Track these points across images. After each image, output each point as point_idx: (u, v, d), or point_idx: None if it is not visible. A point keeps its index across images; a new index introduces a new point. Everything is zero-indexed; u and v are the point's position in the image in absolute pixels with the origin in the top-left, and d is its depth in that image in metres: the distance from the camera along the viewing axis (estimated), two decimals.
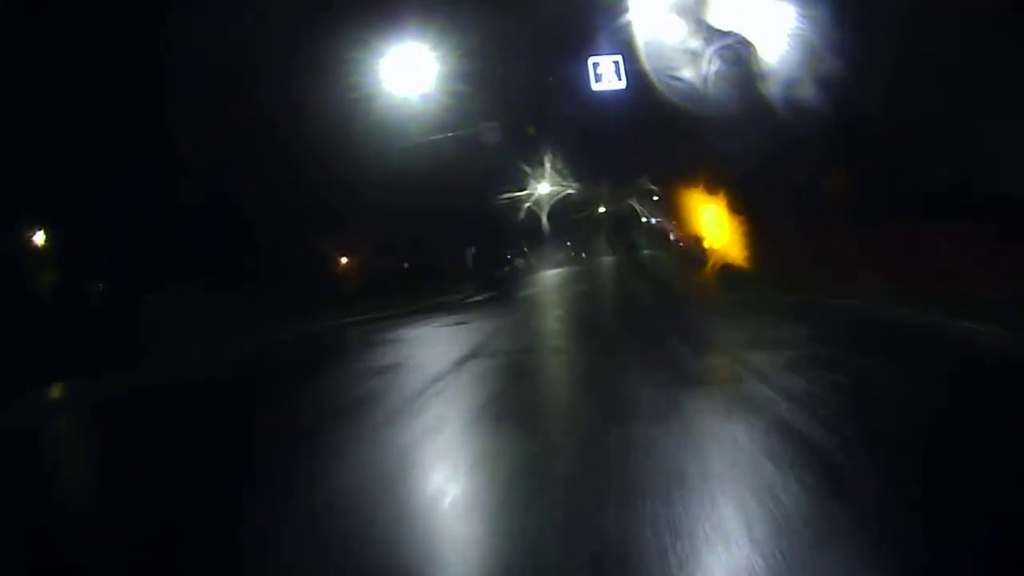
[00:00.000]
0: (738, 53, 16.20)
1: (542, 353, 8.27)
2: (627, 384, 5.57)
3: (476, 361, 7.67)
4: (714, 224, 12.36)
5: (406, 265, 42.21)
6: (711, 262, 13.27)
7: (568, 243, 50.58)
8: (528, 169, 44.09)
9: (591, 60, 15.80)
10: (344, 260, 47.16)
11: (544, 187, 46.16)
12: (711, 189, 13.35)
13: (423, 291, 22.88)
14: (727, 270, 13.44)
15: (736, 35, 15.71)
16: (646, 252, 51.35)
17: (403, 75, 21.09)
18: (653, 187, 60.88)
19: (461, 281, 25.15)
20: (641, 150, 21.21)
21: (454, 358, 7.81)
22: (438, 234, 41.04)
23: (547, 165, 43.93)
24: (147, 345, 14.73)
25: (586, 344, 8.81)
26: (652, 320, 10.28)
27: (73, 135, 17.69)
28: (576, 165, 44.41)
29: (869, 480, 2.83)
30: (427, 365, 7.87)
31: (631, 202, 63.98)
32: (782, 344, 6.46)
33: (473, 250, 43.68)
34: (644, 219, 66.88)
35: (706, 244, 12.54)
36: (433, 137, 22.21)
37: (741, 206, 12.67)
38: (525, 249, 34.21)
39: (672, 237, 54.89)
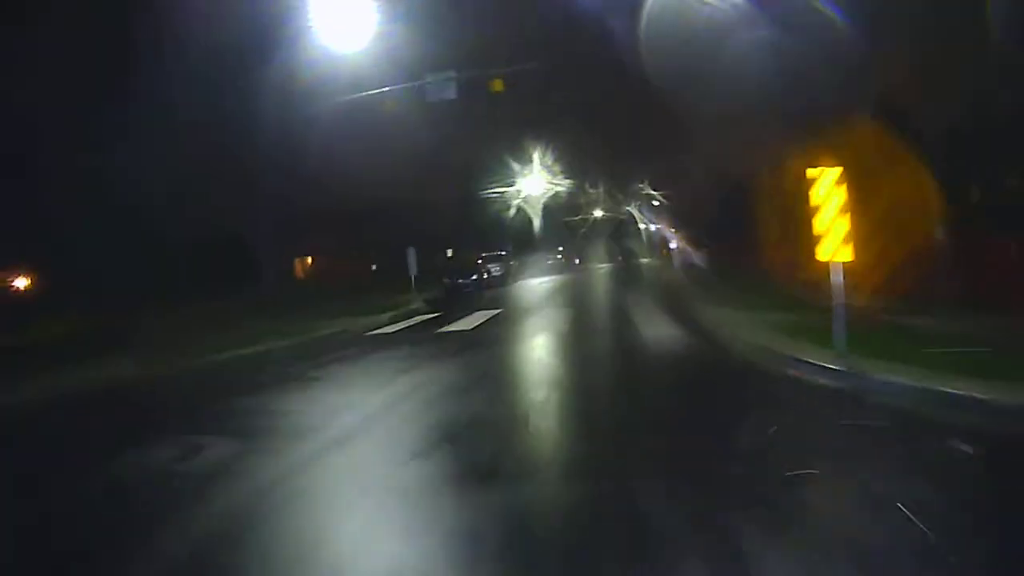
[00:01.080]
0: None
1: None
2: None
3: None
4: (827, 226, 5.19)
5: (373, 267, 35.16)
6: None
7: (560, 247, 43.18)
8: (516, 164, 36.96)
9: None
10: (308, 261, 40.17)
11: (535, 184, 38.90)
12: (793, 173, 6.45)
13: (355, 304, 15.84)
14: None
15: None
16: (645, 261, 44.20)
17: (336, 24, 14.09)
18: (654, 191, 54.04)
19: (419, 290, 17.98)
20: (653, 105, 14.10)
21: None
22: (413, 232, 33.96)
23: (536, 159, 36.76)
24: None
25: None
26: None
27: None
28: (570, 159, 37.21)
29: None
30: None
31: (630, 208, 57.10)
32: None
33: (448, 252, 36.44)
34: (643, 225, 60.02)
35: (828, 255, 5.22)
36: (368, 92, 14.99)
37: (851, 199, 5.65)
38: (502, 252, 26.86)
39: (673, 245, 48.04)
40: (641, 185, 55.54)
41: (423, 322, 11.26)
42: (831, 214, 5.21)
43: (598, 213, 50.65)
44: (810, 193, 5.26)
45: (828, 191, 5.26)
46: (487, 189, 36.15)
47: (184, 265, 17.52)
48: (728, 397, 4.86)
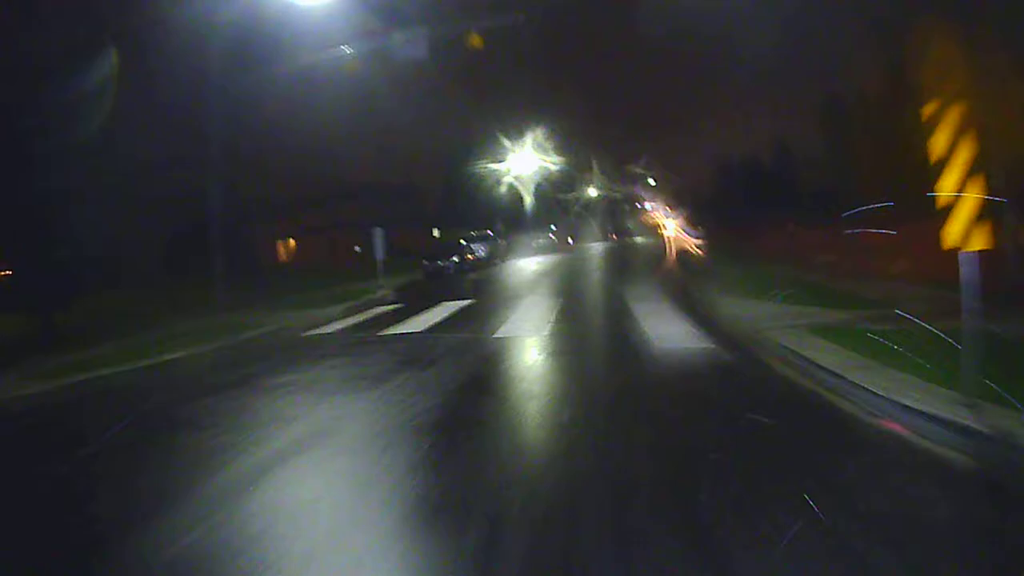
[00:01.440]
0: None
1: None
2: None
3: None
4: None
5: (357, 249, 33.09)
6: None
7: (553, 226, 40.96)
8: (507, 141, 34.60)
9: None
10: (292, 243, 37.87)
11: (527, 161, 36.53)
12: None
13: (316, 291, 13.91)
14: None
15: None
16: (640, 240, 41.94)
17: None
18: (650, 170, 51.56)
19: (390, 275, 15.92)
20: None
21: None
22: (395, 210, 31.94)
23: (529, 136, 34.39)
24: None
25: None
26: None
27: None
28: (564, 136, 34.91)
29: None
30: None
31: (626, 186, 54.74)
32: None
33: (435, 231, 34.16)
34: (639, 204, 57.73)
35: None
36: (328, 51, 12.70)
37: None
38: (490, 232, 24.65)
39: (668, 224, 45.82)
40: (637, 164, 53.11)
41: (377, 317, 9.20)
42: (959, 176, 3.14)
43: (593, 192, 48.34)
44: (930, 143, 3.19)
45: (953, 140, 3.19)
46: (477, 166, 33.91)
47: (143, 251, 15.38)
48: (814, 488, 2.79)
